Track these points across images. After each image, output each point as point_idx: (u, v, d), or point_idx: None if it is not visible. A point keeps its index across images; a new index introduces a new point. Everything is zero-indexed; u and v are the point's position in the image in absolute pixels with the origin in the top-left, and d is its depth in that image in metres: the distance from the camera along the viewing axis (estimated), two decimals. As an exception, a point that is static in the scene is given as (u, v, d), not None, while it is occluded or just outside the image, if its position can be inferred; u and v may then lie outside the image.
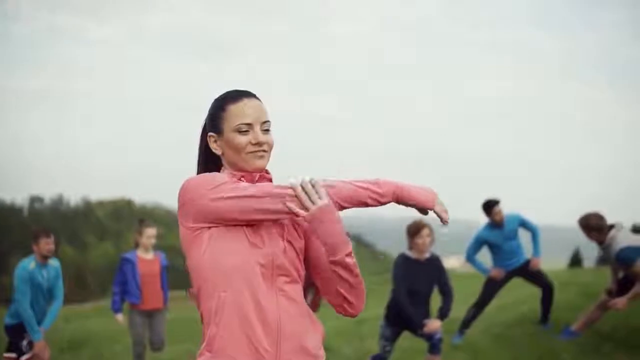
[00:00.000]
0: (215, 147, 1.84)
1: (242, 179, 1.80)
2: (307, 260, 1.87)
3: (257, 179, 1.82)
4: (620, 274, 5.54)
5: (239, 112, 1.78)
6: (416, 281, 4.88)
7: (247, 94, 1.83)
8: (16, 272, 4.98)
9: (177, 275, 6.95)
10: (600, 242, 5.35)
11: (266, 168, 1.85)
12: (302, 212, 1.69)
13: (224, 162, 1.86)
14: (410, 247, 4.95)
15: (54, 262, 5.22)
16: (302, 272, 1.83)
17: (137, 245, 6.06)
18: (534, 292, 6.97)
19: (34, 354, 5.02)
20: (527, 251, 6.54)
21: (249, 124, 1.77)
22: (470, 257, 6.54)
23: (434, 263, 4.98)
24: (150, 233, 6.01)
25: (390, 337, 5.07)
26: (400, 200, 1.79)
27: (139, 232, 6.03)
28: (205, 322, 1.75)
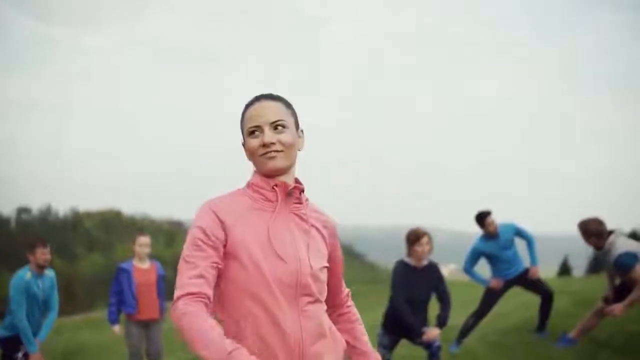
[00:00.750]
0: (246, 155, 1.82)
1: (275, 188, 1.77)
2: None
3: (291, 188, 1.77)
4: (617, 281, 5.54)
5: (249, 116, 1.77)
6: (415, 288, 4.88)
7: (263, 97, 1.80)
8: (12, 282, 4.92)
9: (173, 285, 6.87)
10: (599, 248, 5.35)
11: (296, 177, 1.83)
12: None
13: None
14: (409, 255, 4.95)
15: (49, 273, 5.17)
16: (325, 290, 1.82)
17: (134, 255, 6.05)
18: (530, 300, 6.97)
19: (29, 366, 4.95)
20: (523, 260, 6.54)
21: (257, 127, 1.75)
22: (468, 270, 6.50)
23: (432, 270, 4.98)
24: (142, 241, 6.00)
25: (389, 345, 5.05)
26: None
27: (133, 241, 6.05)
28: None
